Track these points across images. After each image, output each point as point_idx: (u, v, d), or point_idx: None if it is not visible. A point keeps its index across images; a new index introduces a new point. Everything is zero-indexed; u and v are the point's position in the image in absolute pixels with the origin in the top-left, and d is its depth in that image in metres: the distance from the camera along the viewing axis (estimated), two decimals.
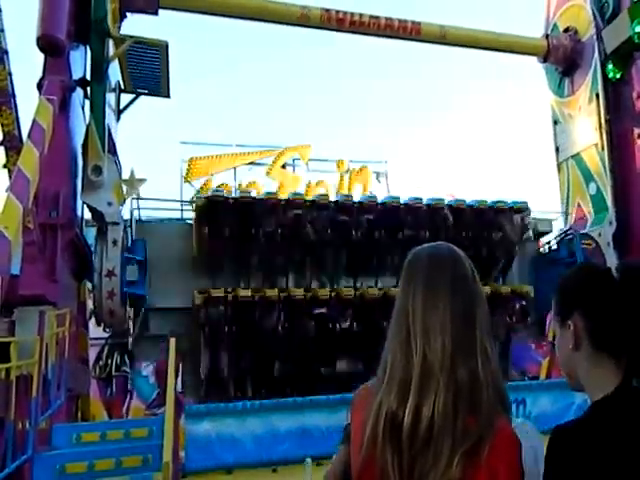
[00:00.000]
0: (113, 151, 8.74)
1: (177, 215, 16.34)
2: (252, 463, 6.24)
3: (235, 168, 17.14)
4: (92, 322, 9.59)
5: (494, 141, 44.59)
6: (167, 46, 9.59)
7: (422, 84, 41.50)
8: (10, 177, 7.07)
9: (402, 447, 1.17)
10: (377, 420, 1.20)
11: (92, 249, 8.67)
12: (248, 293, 9.07)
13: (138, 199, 10.60)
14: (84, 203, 8.28)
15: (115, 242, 8.21)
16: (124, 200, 9.15)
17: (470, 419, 1.15)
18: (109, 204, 8.17)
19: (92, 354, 9.91)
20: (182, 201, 16.40)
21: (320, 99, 41.05)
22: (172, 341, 5.38)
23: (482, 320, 1.25)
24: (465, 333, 1.21)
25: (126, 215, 9.79)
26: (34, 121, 7.13)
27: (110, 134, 8.63)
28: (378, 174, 17.92)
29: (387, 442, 1.18)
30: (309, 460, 5.72)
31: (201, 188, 16.71)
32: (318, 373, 8.59)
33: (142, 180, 17.03)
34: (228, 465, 6.18)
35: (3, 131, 7.27)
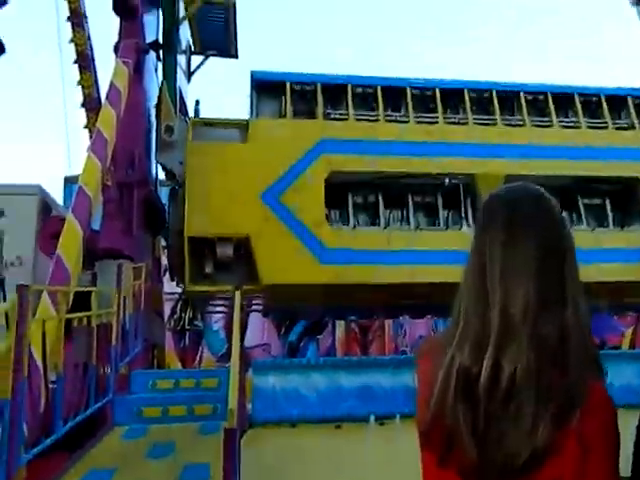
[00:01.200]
0: (184, 112, 8.94)
1: None
2: (316, 418, 6.42)
3: None
4: (166, 278, 10.01)
5: None
6: (235, 5, 9.65)
7: None
8: (90, 137, 7.38)
9: (477, 407, 1.04)
10: (448, 375, 1.08)
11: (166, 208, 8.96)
12: None
13: None
14: (158, 162, 8.54)
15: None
16: None
17: (557, 379, 1.02)
18: (181, 163, 8.40)
19: (167, 309, 10.38)
20: None
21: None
22: (237, 294, 5.54)
23: (571, 266, 1.11)
24: (552, 280, 1.08)
25: None
26: (111, 83, 7.38)
27: (181, 95, 8.83)
28: None
29: (459, 400, 1.05)
30: (373, 418, 5.86)
31: None
32: None
33: None
34: (293, 419, 6.41)
35: (84, 93, 7.55)
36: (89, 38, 7.49)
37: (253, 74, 8.87)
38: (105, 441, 4.67)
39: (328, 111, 8.93)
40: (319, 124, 8.68)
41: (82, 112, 7.68)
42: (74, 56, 7.58)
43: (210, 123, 8.68)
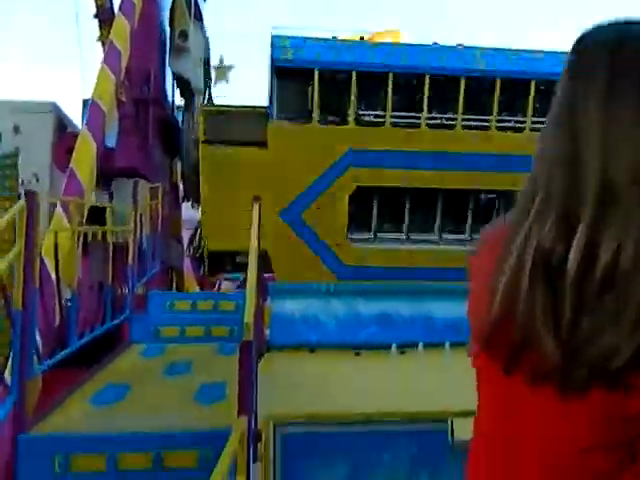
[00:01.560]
0: (199, 17, 8.51)
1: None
2: (335, 344, 6.32)
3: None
4: (186, 206, 9.86)
5: None
6: None
7: None
8: (104, 51, 7.06)
9: (562, 297, 0.81)
10: (522, 260, 0.83)
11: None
12: None
13: None
14: (172, 74, 8.20)
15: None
16: (211, 78, 9.05)
17: None
18: (196, 73, 8.07)
19: (186, 237, 10.28)
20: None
21: None
22: (256, 207, 5.33)
23: None
24: None
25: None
26: None
27: (197, 1, 8.38)
28: None
29: (538, 290, 0.82)
30: (394, 346, 5.75)
31: None
32: None
33: (230, 67, 16.99)
34: (311, 344, 6.31)
35: (96, 4, 7.18)
36: None
37: (274, 57, 7.48)
38: (122, 357, 4.61)
39: (361, 112, 7.72)
40: (350, 131, 7.57)
41: (95, 25, 7.33)
42: None
43: (225, 112, 7.75)
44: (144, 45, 7.51)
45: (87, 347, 4.29)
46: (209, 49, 8.98)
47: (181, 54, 7.91)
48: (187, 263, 9.85)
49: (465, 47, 7.79)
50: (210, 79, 8.90)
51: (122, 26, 6.58)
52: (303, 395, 4.49)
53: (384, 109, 7.58)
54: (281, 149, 7.42)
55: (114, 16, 6.98)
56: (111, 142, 6.57)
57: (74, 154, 5.22)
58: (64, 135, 7.34)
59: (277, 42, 7.50)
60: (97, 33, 7.33)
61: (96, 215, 5.23)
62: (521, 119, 7.76)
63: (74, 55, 8.83)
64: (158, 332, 5.19)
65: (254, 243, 4.36)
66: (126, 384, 3.91)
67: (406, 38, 16.56)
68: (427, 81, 7.42)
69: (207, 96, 9.25)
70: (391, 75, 7.40)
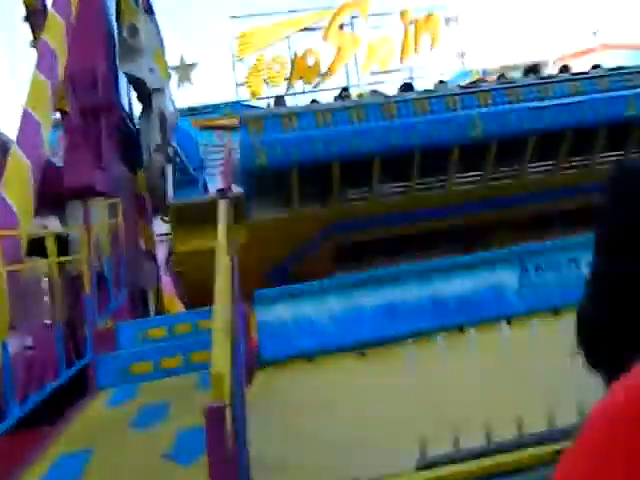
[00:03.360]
0: (149, 10, 7.71)
1: (232, 98, 15.50)
2: (336, 348, 5.62)
3: (288, 37, 15.80)
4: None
5: None
6: None
7: None
8: None
9: None
10: None
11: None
12: None
13: None
14: (124, 75, 7.40)
15: (161, 110, 7.39)
16: (170, 75, 8.27)
17: None
18: (151, 70, 7.26)
19: (164, 251, 9.55)
20: (237, 84, 15.48)
21: None
22: (222, 203, 4.59)
23: None
24: None
25: None
26: None
27: None
28: (448, 20, 16.06)
29: None
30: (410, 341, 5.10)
31: (254, 65, 15.64)
32: None
33: (193, 65, 16.22)
34: (309, 352, 5.61)
35: (25, 5, 6.39)
36: None
37: (245, 163, 6.40)
38: (84, 412, 3.90)
39: (346, 193, 6.85)
40: (332, 210, 6.76)
41: (26, 28, 6.54)
42: None
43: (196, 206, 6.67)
44: (86, 44, 6.71)
45: (50, 400, 3.62)
46: (164, 46, 8.15)
47: (131, 51, 7.11)
48: (166, 280, 9.13)
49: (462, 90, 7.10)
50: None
51: (56, 24, 5.79)
52: (306, 428, 3.81)
53: (370, 189, 6.78)
54: (258, 236, 6.52)
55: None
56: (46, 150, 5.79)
57: (4, 177, 4.47)
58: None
59: (246, 142, 6.39)
60: (30, 38, 6.54)
61: (42, 245, 4.50)
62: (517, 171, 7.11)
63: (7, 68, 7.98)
64: (128, 371, 4.48)
65: (222, 242, 3.64)
66: (86, 450, 3.21)
67: (374, 7, 15.88)
68: (417, 158, 6.65)
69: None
70: (377, 159, 6.54)
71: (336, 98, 8.31)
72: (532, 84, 6.96)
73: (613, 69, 7.29)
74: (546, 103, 6.80)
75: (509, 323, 5.82)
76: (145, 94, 7.61)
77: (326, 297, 5.93)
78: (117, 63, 7.41)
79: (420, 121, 6.62)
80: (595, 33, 16.82)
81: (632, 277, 0.73)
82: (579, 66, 11.09)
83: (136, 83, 7.57)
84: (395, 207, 6.87)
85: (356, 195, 6.89)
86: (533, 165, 7.11)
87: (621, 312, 0.70)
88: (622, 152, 7.09)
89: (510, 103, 6.81)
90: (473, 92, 6.88)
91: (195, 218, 6.21)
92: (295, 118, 6.48)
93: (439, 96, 6.82)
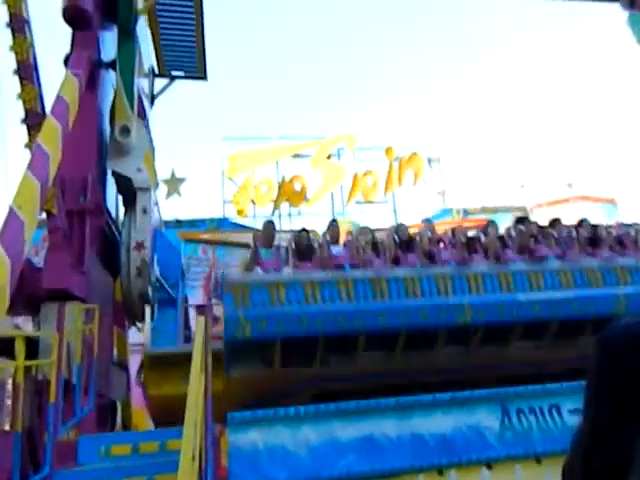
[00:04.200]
0: (143, 116, 7.93)
1: (219, 214, 15.80)
2: None
3: (277, 161, 16.43)
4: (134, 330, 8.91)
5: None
6: (201, 3, 8.75)
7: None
8: None
9: None
10: None
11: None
12: None
13: None
14: (112, 173, 7.45)
15: (145, 210, 7.36)
16: (158, 184, 8.37)
17: None
18: (138, 170, 7.34)
19: (137, 361, 9.20)
20: (224, 201, 15.84)
21: (364, 84, 40.00)
22: (201, 320, 4.43)
23: None
24: None
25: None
26: (58, 96, 6.43)
27: (141, 99, 7.83)
28: (430, 160, 16.92)
29: None
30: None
31: (243, 185, 16.10)
32: None
33: (182, 179, 16.62)
34: None
35: (25, 108, 6.52)
36: (32, 45, 6.52)
37: (229, 334, 6.22)
38: None
39: (329, 359, 6.82)
40: (313, 371, 6.73)
41: (23, 130, 6.65)
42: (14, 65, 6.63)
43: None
44: (80, 152, 6.87)
45: None
46: (154, 153, 8.34)
47: (122, 150, 7.23)
48: (137, 393, 8.71)
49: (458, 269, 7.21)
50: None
51: (52, 128, 5.92)
52: None
53: (354, 358, 6.80)
54: (235, 387, 6.48)
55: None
56: (28, 252, 5.70)
57: None
58: None
59: (231, 315, 6.25)
60: (26, 139, 6.62)
61: (11, 347, 4.27)
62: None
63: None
64: None
65: (197, 363, 3.46)
66: None
67: (361, 142, 16.72)
68: (402, 339, 6.75)
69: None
70: (363, 337, 6.60)
71: (327, 228, 8.46)
72: (524, 271, 7.10)
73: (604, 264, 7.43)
74: (535, 296, 6.96)
75: (489, 468, 5.59)
76: (130, 193, 7.63)
77: (302, 425, 5.64)
78: (106, 163, 7.50)
79: (410, 305, 6.67)
80: (570, 185, 17.77)
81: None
82: (556, 214, 11.57)
83: (122, 182, 7.60)
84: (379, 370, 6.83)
85: (339, 361, 6.81)
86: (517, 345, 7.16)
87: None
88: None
89: (501, 289, 6.93)
90: (465, 276, 6.93)
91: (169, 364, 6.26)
92: (283, 289, 6.44)
93: (430, 277, 6.87)
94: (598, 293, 7.16)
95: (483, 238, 7.92)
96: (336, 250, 7.47)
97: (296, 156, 16.52)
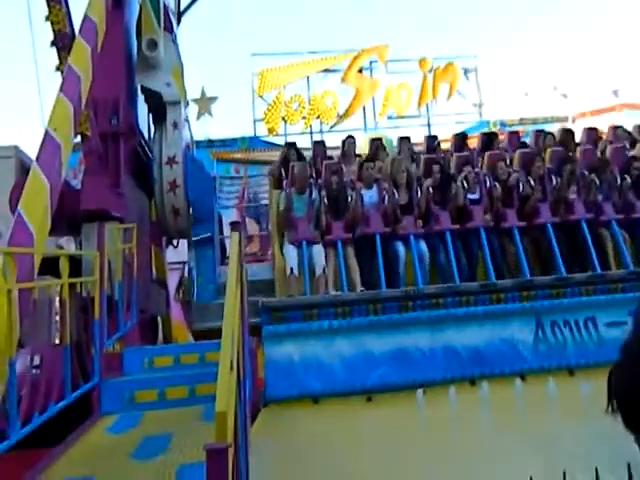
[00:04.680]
0: (170, 29, 7.78)
1: (250, 133, 15.70)
2: (342, 391, 5.51)
3: (308, 77, 16.07)
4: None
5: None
6: None
7: None
8: None
9: None
10: None
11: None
12: None
13: None
14: (141, 88, 7.40)
15: (175, 125, 7.34)
16: (188, 102, 8.33)
17: None
18: (167, 84, 7.28)
19: (175, 279, 9.50)
20: (255, 120, 15.69)
21: None
22: (235, 236, 4.49)
23: None
24: None
25: None
26: (85, 16, 6.32)
27: (167, 14, 7.65)
28: (466, 70, 16.29)
29: None
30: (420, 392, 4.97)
31: (273, 102, 15.86)
32: None
33: (213, 98, 16.47)
34: (314, 393, 5.49)
35: (54, 30, 6.49)
36: None
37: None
38: (86, 437, 3.79)
39: None
40: None
41: (53, 52, 6.64)
42: None
43: None
44: (111, 73, 6.82)
45: (53, 422, 3.52)
46: (183, 68, 8.20)
47: (150, 65, 7.15)
48: (176, 309, 9.05)
49: None
50: None
51: (82, 50, 5.87)
52: (307, 472, 3.69)
53: None
54: None
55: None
56: (65, 173, 5.79)
57: (23, 195, 4.45)
58: (22, 178, 6.60)
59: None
60: (56, 62, 6.62)
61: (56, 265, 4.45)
62: None
63: (34, 90, 8.04)
64: (133, 398, 4.39)
65: (233, 277, 3.56)
66: (87, 478, 3.10)
67: (394, 52, 16.18)
68: None
69: None
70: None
71: (343, 143, 8.33)
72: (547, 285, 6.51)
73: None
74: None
75: (523, 379, 5.70)
76: (160, 108, 7.59)
77: (335, 338, 5.83)
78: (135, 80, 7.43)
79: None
80: (616, 92, 16.98)
81: None
82: (600, 123, 11.14)
83: (152, 97, 7.56)
84: None
85: None
86: None
87: None
88: None
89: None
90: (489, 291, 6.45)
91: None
92: (315, 312, 6.18)
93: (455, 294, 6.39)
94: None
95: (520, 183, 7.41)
96: (368, 196, 7.23)
97: (326, 71, 16.12)
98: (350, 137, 8.53)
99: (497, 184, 7.36)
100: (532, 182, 7.37)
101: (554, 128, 10.66)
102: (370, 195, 7.25)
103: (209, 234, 7.73)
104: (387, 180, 7.34)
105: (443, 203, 7.26)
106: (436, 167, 7.42)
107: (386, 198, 7.12)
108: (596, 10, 39.70)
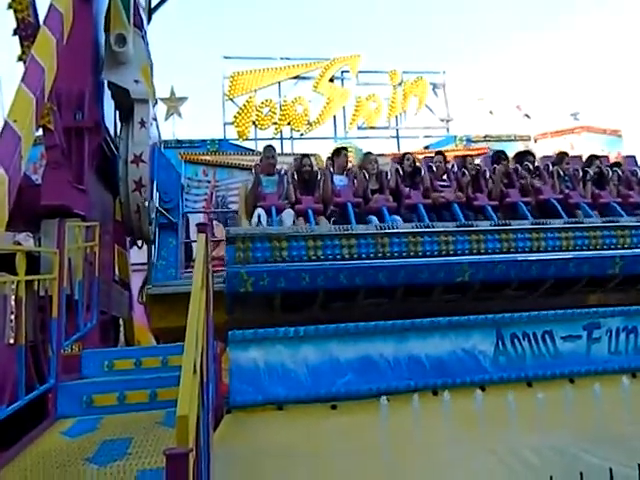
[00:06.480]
0: (140, 26, 7.62)
1: (220, 135, 15.55)
2: (307, 398, 5.43)
3: (280, 83, 16.03)
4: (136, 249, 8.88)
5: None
6: None
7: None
8: None
9: None
10: None
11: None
12: None
13: None
14: (107, 84, 7.20)
15: (143, 123, 7.14)
16: (156, 101, 8.15)
17: None
18: (136, 81, 7.08)
19: (138, 281, 9.27)
20: (225, 123, 15.54)
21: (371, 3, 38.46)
22: (202, 237, 4.38)
23: None
24: None
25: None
26: (51, 5, 6.13)
27: (137, 9, 7.45)
28: (435, 86, 16.52)
29: None
30: (384, 399, 4.95)
31: (244, 106, 15.77)
32: None
33: (183, 99, 16.28)
34: (279, 400, 5.40)
35: (17, 18, 6.26)
36: None
37: (230, 289, 6.09)
38: (40, 441, 3.60)
39: (329, 305, 6.81)
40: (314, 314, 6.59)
41: (15, 41, 6.41)
42: None
43: None
44: (77, 66, 6.63)
45: (5, 424, 3.34)
46: (152, 66, 8.00)
47: (118, 60, 6.94)
48: (139, 311, 8.83)
49: None
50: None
51: (46, 40, 5.68)
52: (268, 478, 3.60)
53: (353, 303, 6.71)
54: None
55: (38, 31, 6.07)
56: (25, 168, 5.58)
57: None
58: None
59: (233, 270, 6.04)
60: (19, 52, 6.38)
61: (12, 263, 4.26)
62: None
63: None
64: (91, 401, 4.21)
65: (199, 278, 3.45)
66: None
67: (365, 63, 16.28)
68: (401, 289, 6.58)
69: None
70: (362, 290, 6.43)
71: (332, 155, 8.24)
72: (527, 229, 6.77)
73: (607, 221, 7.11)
74: (534, 256, 6.68)
75: (483, 390, 5.74)
76: (127, 106, 7.39)
77: (302, 345, 5.75)
78: (102, 74, 7.21)
79: (409, 264, 6.39)
80: (575, 115, 17.42)
81: None
82: (560, 144, 11.39)
83: (119, 94, 7.35)
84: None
85: (338, 306, 6.74)
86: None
87: None
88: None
89: (501, 250, 6.61)
90: (467, 231, 6.58)
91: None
92: (285, 243, 6.19)
93: (433, 233, 6.50)
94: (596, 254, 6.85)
95: (488, 174, 7.82)
96: (338, 180, 7.34)
97: (298, 78, 16.11)
98: (344, 148, 8.52)
99: (466, 172, 7.56)
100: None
101: (517, 146, 10.88)
102: (340, 179, 7.30)
103: (175, 220, 7.58)
104: (358, 170, 7.46)
105: (413, 186, 7.46)
106: (408, 158, 7.72)
107: (356, 182, 7.21)
108: (561, 34, 40.81)
